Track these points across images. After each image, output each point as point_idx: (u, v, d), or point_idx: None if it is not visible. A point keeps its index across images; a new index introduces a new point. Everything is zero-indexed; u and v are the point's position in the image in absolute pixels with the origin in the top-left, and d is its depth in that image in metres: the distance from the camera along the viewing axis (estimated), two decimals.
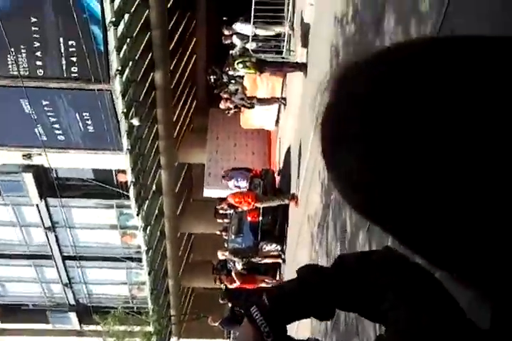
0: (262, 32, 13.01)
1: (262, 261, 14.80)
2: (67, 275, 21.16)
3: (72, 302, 22.15)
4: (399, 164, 0.57)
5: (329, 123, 0.65)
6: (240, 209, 14.14)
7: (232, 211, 16.69)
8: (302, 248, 12.22)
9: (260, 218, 14.72)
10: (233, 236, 15.54)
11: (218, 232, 16.72)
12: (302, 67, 11.80)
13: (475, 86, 0.55)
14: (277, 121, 15.77)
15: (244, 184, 14.50)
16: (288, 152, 14.34)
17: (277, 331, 1.30)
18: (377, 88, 0.59)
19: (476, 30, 4.59)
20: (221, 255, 15.03)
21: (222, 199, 14.20)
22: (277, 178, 15.51)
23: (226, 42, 13.56)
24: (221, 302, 14.86)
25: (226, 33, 13.38)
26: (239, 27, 13.04)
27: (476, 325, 0.89)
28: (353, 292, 1.23)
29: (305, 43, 11.78)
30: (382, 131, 0.57)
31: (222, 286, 15.07)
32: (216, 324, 15.51)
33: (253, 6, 12.28)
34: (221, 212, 16.07)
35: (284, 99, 14.27)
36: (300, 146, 12.44)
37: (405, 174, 0.56)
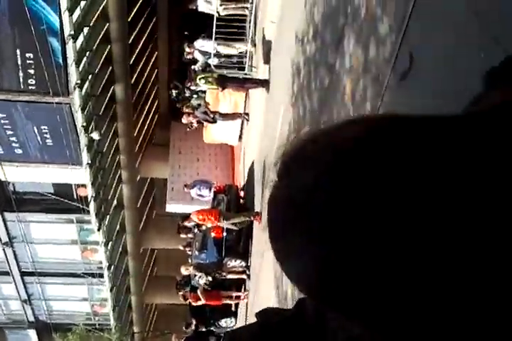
0: (223, 49, 12.86)
1: (227, 277, 14.61)
2: (26, 292, 20.57)
3: (32, 319, 21.54)
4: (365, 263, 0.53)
5: (283, 203, 0.59)
6: (203, 227, 13.95)
7: (195, 228, 16.49)
8: (267, 265, 12.07)
9: (224, 234, 14.55)
10: (197, 252, 15.32)
11: (181, 248, 16.46)
12: (264, 83, 11.68)
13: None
14: (240, 137, 15.60)
15: (207, 193, 14.31)
16: (251, 168, 14.19)
17: None
18: (341, 165, 0.55)
19: (432, 53, 4.51)
20: (185, 270, 14.82)
21: (186, 217, 13.96)
22: (241, 194, 15.33)
23: (188, 57, 13.36)
24: (185, 330, 14.72)
25: (188, 50, 13.19)
26: (200, 44, 12.86)
27: None
28: (314, 336, 1.15)
29: (267, 60, 11.66)
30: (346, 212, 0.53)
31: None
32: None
33: (215, 23, 12.12)
34: (186, 223, 15.91)
35: (247, 114, 14.13)
36: (264, 163, 12.31)
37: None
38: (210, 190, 14.34)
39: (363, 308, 0.56)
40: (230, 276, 14.63)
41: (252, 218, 13.05)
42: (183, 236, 16.77)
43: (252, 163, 14.08)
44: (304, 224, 0.55)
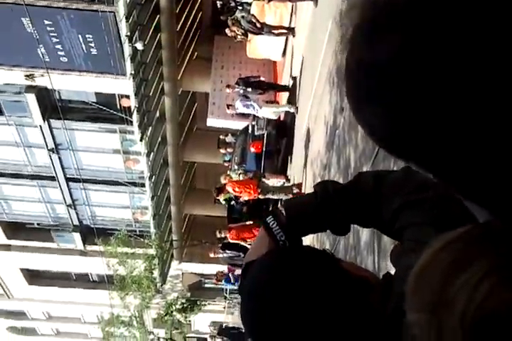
0: None
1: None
2: (71, 197, 21.33)
3: (76, 223, 22.47)
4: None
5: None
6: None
7: (234, 139, 16.59)
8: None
9: (264, 149, 14.64)
10: (236, 167, 15.53)
11: (222, 150, 16.75)
12: None
13: None
14: (284, 52, 15.26)
15: (255, 107, 13.34)
16: (294, 84, 14.00)
17: (293, 241, 1.29)
18: None
19: None
20: (224, 179, 15.00)
21: (220, 189, 13.35)
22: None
23: None
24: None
25: None
26: None
27: None
28: (368, 209, 1.24)
29: None
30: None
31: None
32: (219, 256, 15.79)
33: None
34: (221, 137, 15.93)
35: (293, 29, 13.73)
36: (307, 78, 12.12)
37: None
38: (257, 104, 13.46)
39: (430, 150, 0.58)
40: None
41: (294, 190, 12.34)
42: (222, 151, 17.03)
43: (294, 79, 13.86)
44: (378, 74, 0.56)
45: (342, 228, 1.31)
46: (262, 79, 14.45)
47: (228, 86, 14.10)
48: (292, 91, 14.07)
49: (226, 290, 22.80)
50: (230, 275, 18.23)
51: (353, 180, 1.31)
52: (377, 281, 1.15)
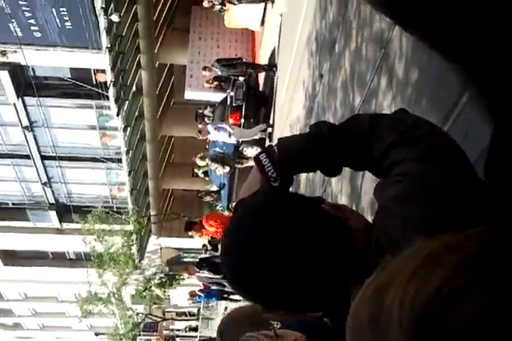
0: None
1: (243, 166, 14.80)
2: (46, 175, 21.12)
3: (52, 201, 22.29)
4: None
5: None
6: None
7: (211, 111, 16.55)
8: None
9: (242, 120, 14.70)
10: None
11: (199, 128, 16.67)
12: None
13: None
14: (263, 21, 15.33)
15: (228, 129, 13.16)
16: (272, 55, 14.10)
17: (284, 178, 1.30)
18: None
19: None
20: (200, 161, 15.02)
21: (193, 223, 12.93)
22: (261, 80, 15.28)
23: None
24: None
25: None
26: None
27: (481, 180, 1.02)
28: (359, 147, 1.24)
29: None
30: None
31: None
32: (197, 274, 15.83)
33: None
34: (199, 111, 15.96)
35: None
36: (285, 46, 12.21)
37: None
38: (229, 134, 13.26)
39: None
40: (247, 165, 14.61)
41: None
42: (200, 126, 16.97)
43: (273, 49, 13.97)
44: None
45: (332, 169, 1.31)
46: (243, 60, 14.44)
47: (205, 68, 14.24)
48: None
49: None
50: (202, 294, 18.07)
51: (348, 119, 1.31)
52: (358, 223, 1.20)
